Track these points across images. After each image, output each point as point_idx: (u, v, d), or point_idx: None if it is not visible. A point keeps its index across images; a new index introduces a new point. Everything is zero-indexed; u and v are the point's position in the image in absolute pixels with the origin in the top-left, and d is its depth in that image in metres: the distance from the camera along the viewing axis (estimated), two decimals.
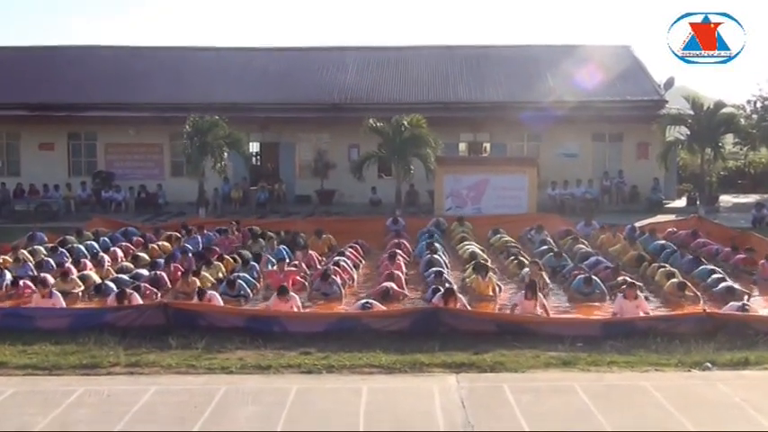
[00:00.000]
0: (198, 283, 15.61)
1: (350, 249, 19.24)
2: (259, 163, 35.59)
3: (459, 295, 14.11)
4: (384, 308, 13.78)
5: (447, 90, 34.58)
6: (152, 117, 32.34)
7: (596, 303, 15.00)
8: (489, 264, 17.03)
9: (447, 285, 14.57)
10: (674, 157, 31.87)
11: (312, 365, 10.64)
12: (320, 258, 18.93)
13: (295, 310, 13.62)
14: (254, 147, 35.21)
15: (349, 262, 17.98)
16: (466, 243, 19.78)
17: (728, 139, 34.44)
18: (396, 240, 20.25)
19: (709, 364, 10.53)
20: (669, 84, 33.88)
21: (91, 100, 33.27)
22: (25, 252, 18.60)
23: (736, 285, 15.06)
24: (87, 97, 33.41)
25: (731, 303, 13.38)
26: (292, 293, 14.04)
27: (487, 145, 34.60)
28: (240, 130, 29.79)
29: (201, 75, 34.79)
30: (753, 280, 16.48)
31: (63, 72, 35.57)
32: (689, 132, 29.64)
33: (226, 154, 28.74)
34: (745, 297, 14.37)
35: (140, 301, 14.04)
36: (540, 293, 13.89)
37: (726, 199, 32.80)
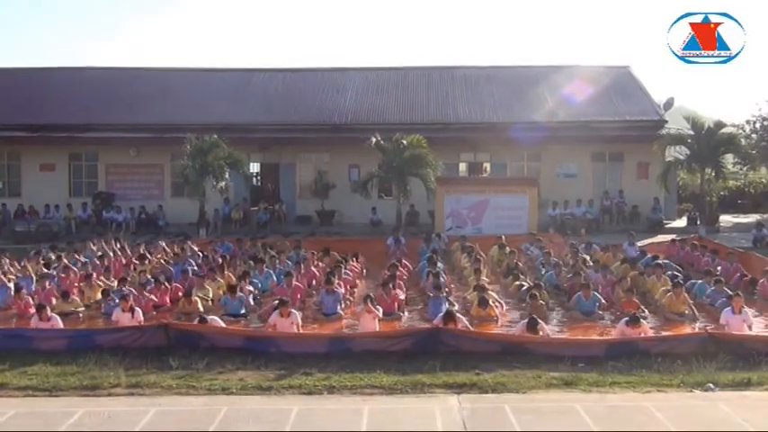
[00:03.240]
0: (200, 304, 15.67)
1: (350, 263, 19.32)
2: (259, 183, 35.64)
3: (460, 316, 14.14)
4: (380, 313, 13.93)
5: (447, 110, 34.71)
6: (153, 138, 32.50)
7: (597, 322, 14.98)
8: (489, 288, 17.01)
9: (447, 308, 14.59)
10: (674, 177, 31.93)
11: (313, 386, 10.61)
12: (321, 277, 18.93)
13: (294, 327, 13.63)
14: (254, 167, 35.30)
15: (351, 273, 18.09)
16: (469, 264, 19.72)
17: (728, 159, 34.47)
18: (396, 259, 20.25)
19: (711, 385, 10.50)
20: (669, 104, 34.02)
21: (92, 121, 33.40)
22: (29, 267, 18.83)
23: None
24: (88, 118, 33.55)
25: (721, 301, 13.48)
26: (293, 310, 14.00)
27: (488, 165, 34.69)
28: (240, 150, 29.89)
29: (202, 96, 34.96)
30: (753, 300, 16.46)
31: (64, 93, 35.75)
32: (689, 152, 29.70)
33: (227, 174, 28.82)
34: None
35: (141, 318, 14.11)
36: (541, 323, 13.82)
37: (726, 219, 32.83)
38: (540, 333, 13.16)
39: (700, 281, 16.99)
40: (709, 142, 28.73)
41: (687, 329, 13.93)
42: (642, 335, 13.11)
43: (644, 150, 31.39)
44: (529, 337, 12.93)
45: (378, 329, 13.78)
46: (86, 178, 34.11)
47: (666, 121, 32.91)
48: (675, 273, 18.22)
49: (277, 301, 14.38)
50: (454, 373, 11.04)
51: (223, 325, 13.89)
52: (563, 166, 33.06)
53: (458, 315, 14.02)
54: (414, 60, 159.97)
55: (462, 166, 34.50)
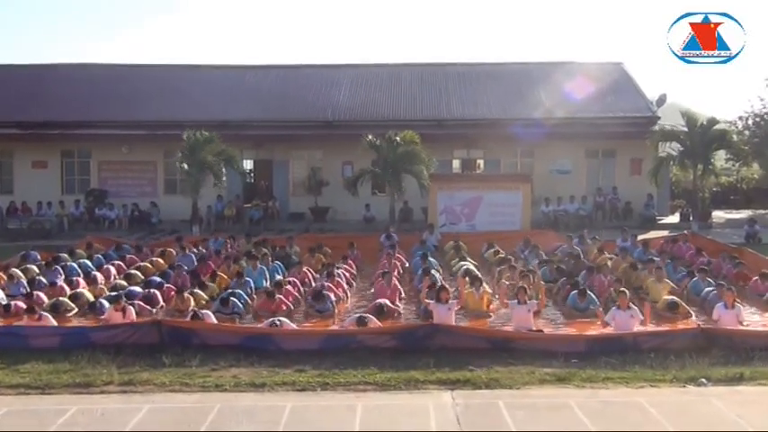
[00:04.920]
0: (192, 302, 15.62)
1: (344, 266, 19.18)
2: (253, 180, 35.57)
3: (453, 301, 14.41)
4: (379, 324, 13.76)
5: (440, 107, 34.70)
6: (145, 135, 32.40)
7: (592, 319, 14.99)
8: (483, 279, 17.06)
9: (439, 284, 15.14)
10: (666, 173, 31.99)
11: (307, 383, 10.61)
12: (314, 275, 18.89)
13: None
14: (247, 164, 35.20)
15: (343, 278, 17.97)
16: (461, 261, 19.75)
17: (720, 155, 34.52)
18: (389, 254, 20.23)
19: (704, 380, 10.53)
20: (661, 100, 34.08)
21: (84, 118, 33.29)
22: (17, 270, 18.50)
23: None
24: (81, 115, 33.43)
25: (711, 293, 13.58)
26: (284, 320, 13.83)
27: (481, 161, 34.69)
28: (234, 147, 29.82)
29: (195, 93, 34.84)
30: (743, 294, 16.46)
31: (56, 90, 35.60)
32: (681, 148, 29.74)
33: (223, 169, 28.80)
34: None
35: (134, 317, 14.06)
36: (531, 302, 14.12)
37: (718, 215, 32.92)
38: (528, 302, 13.84)
39: (695, 278, 16.98)
40: (702, 138, 28.77)
41: (680, 325, 13.95)
42: (633, 317, 13.30)
43: (637, 147, 31.44)
44: (516, 333, 13.10)
45: None
46: (79, 175, 33.98)
47: (659, 118, 32.96)
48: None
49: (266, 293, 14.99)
50: (448, 370, 11.03)
51: (215, 321, 13.90)
52: (556, 163, 33.06)
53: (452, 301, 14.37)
54: (407, 57, 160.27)
55: (456, 163, 34.49)
